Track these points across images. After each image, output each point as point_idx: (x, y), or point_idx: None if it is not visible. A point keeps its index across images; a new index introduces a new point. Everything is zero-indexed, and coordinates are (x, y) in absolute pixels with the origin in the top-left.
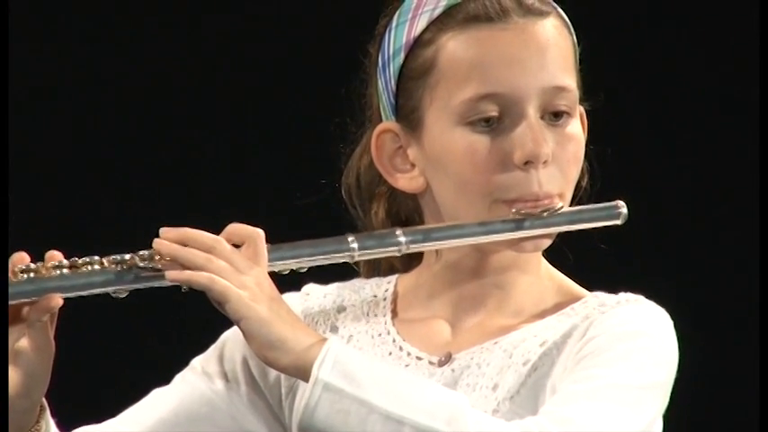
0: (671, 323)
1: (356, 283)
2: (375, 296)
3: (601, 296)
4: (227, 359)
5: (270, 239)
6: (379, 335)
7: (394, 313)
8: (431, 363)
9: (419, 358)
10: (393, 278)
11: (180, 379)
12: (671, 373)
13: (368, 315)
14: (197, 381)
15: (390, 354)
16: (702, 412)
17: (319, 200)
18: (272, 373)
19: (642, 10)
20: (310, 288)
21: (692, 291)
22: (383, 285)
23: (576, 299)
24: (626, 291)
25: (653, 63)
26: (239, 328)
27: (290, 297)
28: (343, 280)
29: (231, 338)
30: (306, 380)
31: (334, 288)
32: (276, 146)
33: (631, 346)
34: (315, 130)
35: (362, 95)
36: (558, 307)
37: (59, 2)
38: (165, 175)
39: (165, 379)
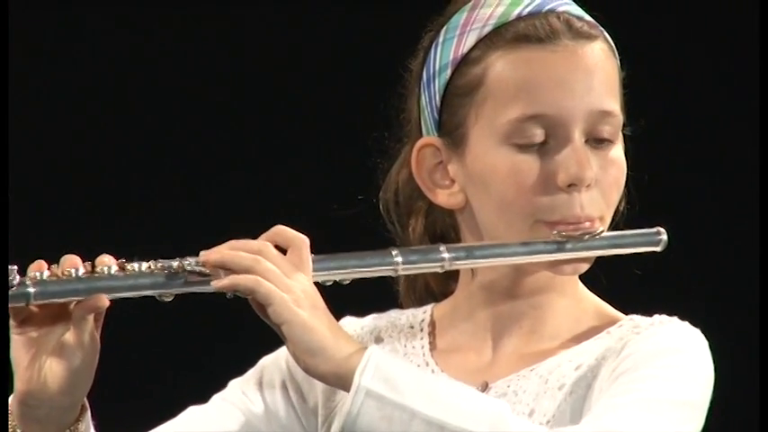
0: (706, 343)
1: (392, 314)
2: (412, 327)
3: (636, 319)
4: (266, 384)
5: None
6: (418, 366)
7: (432, 344)
8: None
9: None
10: (428, 307)
11: (218, 399)
12: (706, 393)
13: (405, 347)
14: (236, 402)
15: None
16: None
17: (356, 214)
18: (311, 400)
19: (685, 37)
20: (347, 321)
21: (726, 314)
22: (419, 315)
23: (612, 322)
24: (660, 313)
25: (689, 87)
26: (280, 332)
27: None
28: (381, 303)
29: (270, 363)
30: (345, 388)
31: (370, 320)
32: (312, 158)
33: (667, 363)
34: (352, 145)
35: (401, 110)
36: (593, 331)
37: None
38: (202, 188)
39: (201, 392)
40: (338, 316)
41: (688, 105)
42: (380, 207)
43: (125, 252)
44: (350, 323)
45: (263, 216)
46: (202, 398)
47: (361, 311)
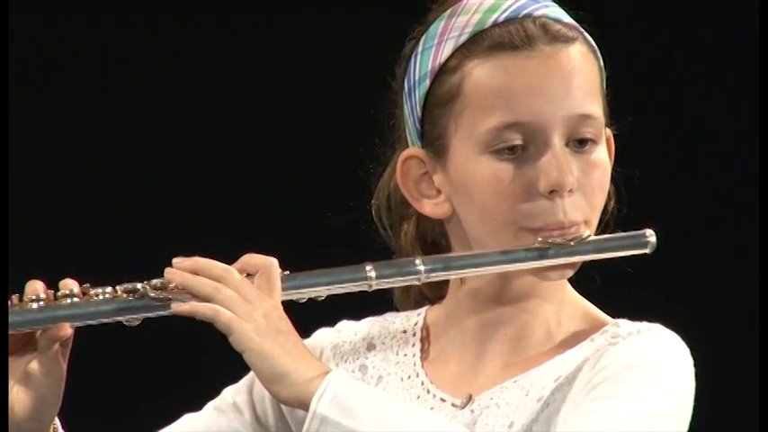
0: (685, 350)
1: (388, 317)
2: (405, 331)
3: (620, 324)
4: (257, 392)
5: (298, 261)
6: (408, 377)
7: (423, 352)
8: (453, 405)
9: (443, 400)
10: (423, 310)
11: (211, 407)
12: (683, 401)
13: (397, 354)
14: (228, 411)
15: (419, 397)
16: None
17: (349, 220)
18: (299, 410)
19: (675, 34)
20: (343, 325)
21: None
22: (413, 318)
23: (597, 327)
24: (649, 316)
25: (681, 85)
26: (244, 359)
27: (322, 333)
28: (379, 305)
29: None
30: (307, 411)
31: (365, 324)
32: (304, 165)
33: (640, 377)
34: (344, 151)
35: (391, 116)
36: (579, 337)
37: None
38: (191, 200)
39: (195, 401)
40: (334, 319)
41: (680, 105)
42: (373, 213)
43: (96, 265)
44: (345, 327)
45: (253, 224)
46: (199, 405)
47: (358, 315)
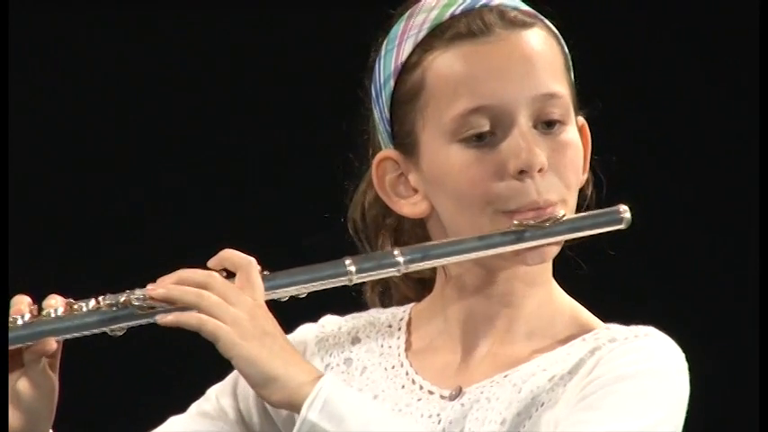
0: (680, 355)
1: (372, 313)
2: (390, 326)
3: (612, 328)
4: (241, 391)
5: (274, 263)
6: (393, 367)
7: (408, 344)
8: (442, 397)
9: (431, 392)
10: (408, 306)
11: (195, 409)
12: (676, 408)
13: (382, 346)
14: (211, 411)
15: (403, 387)
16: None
17: (326, 237)
18: (284, 410)
19: (644, 16)
20: (326, 320)
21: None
22: (398, 314)
23: (587, 329)
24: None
25: (657, 69)
26: (233, 365)
27: (305, 328)
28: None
29: None
30: (297, 414)
31: (349, 319)
32: (280, 178)
33: (633, 389)
34: (319, 166)
35: (364, 131)
36: (569, 336)
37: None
38: (173, 206)
39: (180, 403)
40: (317, 316)
41: (659, 88)
42: (349, 227)
43: (78, 278)
44: (329, 322)
45: (233, 236)
46: (184, 406)
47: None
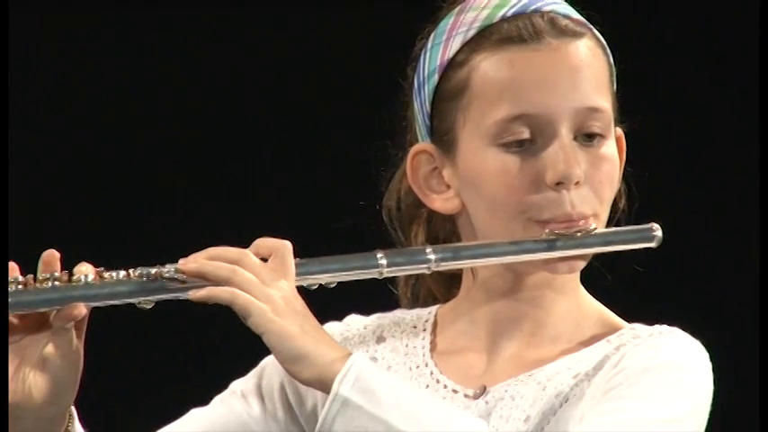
0: (705, 354)
1: (397, 313)
2: (415, 327)
3: (637, 328)
4: (266, 385)
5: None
6: (417, 367)
7: (433, 344)
8: (466, 396)
9: (455, 391)
10: (434, 308)
11: (218, 401)
12: (700, 405)
13: (407, 346)
14: (235, 404)
15: (428, 386)
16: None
17: (359, 222)
18: (309, 401)
19: (686, 35)
20: (352, 319)
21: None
22: (423, 315)
23: (613, 330)
24: (663, 317)
25: (692, 85)
26: (263, 340)
27: (331, 327)
28: (388, 302)
29: (270, 364)
30: (328, 393)
31: (374, 319)
32: (316, 168)
33: (659, 379)
34: (356, 153)
35: (402, 118)
36: (594, 337)
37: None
38: (208, 193)
39: (203, 395)
40: (342, 315)
41: (689, 102)
42: (383, 215)
43: (108, 257)
44: (354, 321)
45: (266, 225)
46: (207, 399)
47: (366, 311)
